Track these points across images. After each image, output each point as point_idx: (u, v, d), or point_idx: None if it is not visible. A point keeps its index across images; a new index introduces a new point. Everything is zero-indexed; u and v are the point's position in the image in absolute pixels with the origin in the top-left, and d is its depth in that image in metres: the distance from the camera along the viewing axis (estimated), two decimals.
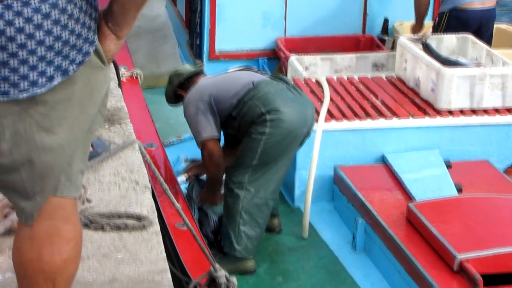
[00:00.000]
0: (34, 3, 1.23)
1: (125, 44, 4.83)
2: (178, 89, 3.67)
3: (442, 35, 4.36)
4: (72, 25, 1.32)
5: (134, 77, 4.12)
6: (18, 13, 1.23)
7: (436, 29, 4.84)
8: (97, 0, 1.45)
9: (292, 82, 3.61)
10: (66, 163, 1.48)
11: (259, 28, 5.10)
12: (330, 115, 3.80)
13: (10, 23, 1.24)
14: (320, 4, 5.13)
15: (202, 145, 3.35)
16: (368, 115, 3.89)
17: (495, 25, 5.00)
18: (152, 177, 2.85)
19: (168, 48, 5.56)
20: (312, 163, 3.69)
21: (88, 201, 2.39)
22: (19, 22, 1.22)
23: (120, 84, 3.55)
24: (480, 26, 4.73)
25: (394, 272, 3.44)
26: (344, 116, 3.88)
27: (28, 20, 1.24)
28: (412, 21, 4.91)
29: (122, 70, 4.14)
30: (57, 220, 1.53)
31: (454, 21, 4.78)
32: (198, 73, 3.67)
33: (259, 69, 3.63)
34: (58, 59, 1.33)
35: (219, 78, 3.44)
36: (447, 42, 4.34)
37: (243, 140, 3.26)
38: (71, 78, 1.37)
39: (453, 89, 3.76)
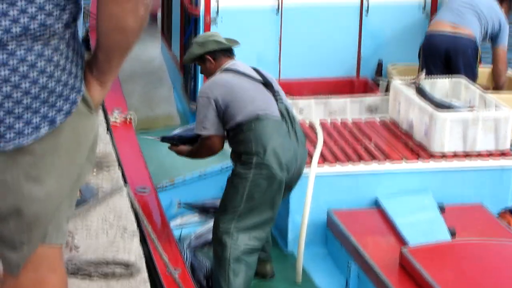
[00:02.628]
0: (20, 53, 1.26)
1: (119, 86, 4.97)
2: (207, 55, 3.66)
3: (436, 79, 4.50)
4: (59, 74, 1.35)
5: (128, 120, 4.18)
6: (3, 64, 1.26)
7: (420, 62, 5.03)
8: (83, 48, 1.50)
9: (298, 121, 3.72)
10: (54, 212, 1.48)
11: None
12: (323, 158, 3.90)
13: None
14: (314, 47, 5.27)
15: (207, 137, 3.45)
16: (361, 158, 4.00)
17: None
18: (143, 223, 2.90)
19: (163, 91, 5.67)
20: (306, 208, 3.74)
21: (76, 247, 2.45)
22: (4, 72, 1.25)
23: (109, 128, 3.66)
24: (449, 53, 4.81)
25: None
26: (337, 159, 3.99)
27: (14, 70, 1.27)
28: (405, 63, 5.15)
29: (116, 113, 4.27)
30: (43, 270, 1.55)
31: (426, 47, 4.96)
32: (231, 52, 3.71)
33: (276, 89, 3.70)
34: (44, 109, 1.34)
35: (236, 85, 3.45)
36: (440, 85, 4.48)
37: (228, 178, 3.34)
38: (58, 127, 1.38)
39: (446, 133, 3.89)
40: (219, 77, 3.47)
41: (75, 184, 1.56)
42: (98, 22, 1.42)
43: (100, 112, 3.74)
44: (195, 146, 3.46)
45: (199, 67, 4.17)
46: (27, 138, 1.35)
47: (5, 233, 1.49)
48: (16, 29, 1.26)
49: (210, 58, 3.50)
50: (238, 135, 3.29)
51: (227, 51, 3.57)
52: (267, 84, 3.55)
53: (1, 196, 1.45)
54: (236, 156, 3.30)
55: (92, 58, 1.46)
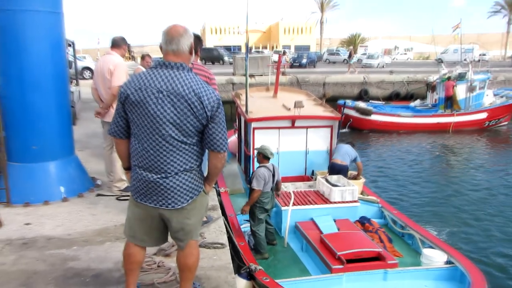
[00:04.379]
0: (187, 180, 3.31)
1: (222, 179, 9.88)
2: (260, 155, 7.71)
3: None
4: (197, 183, 3.38)
5: (225, 191, 8.88)
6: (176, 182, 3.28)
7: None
8: (203, 172, 3.48)
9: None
10: (196, 228, 3.47)
11: None
12: (293, 204, 8.19)
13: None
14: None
15: (255, 190, 7.16)
16: (307, 204, 8.29)
17: None
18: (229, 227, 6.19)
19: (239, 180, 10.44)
20: (288, 221, 7.67)
21: (203, 237, 5.06)
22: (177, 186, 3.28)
23: (220, 194, 8.27)
24: (339, 172, 9.10)
25: (312, 255, 7.05)
26: (298, 204, 8.29)
27: (182, 183, 3.31)
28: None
29: (222, 188, 8.91)
30: (192, 247, 3.50)
31: (330, 169, 9.41)
32: (269, 158, 7.75)
33: (277, 178, 7.47)
34: (191, 194, 3.33)
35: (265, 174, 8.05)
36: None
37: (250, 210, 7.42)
38: (195, 199, 3.32)
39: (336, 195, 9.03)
40: (264, 170, 7.21)
41: (201, 218, 3.52)
42: (209, 164, 3.41)
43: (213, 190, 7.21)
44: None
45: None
46: (187, 202, 3.33)
47: (178, 236, 3.41)
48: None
49: (260, 157, 7.38)
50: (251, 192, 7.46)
51: (267, 157, 7.40)
52: (274, 173, 7.26)
53: (177, 224, 3.36)
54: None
55: (206, 176, 3.46)
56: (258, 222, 7.30)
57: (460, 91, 23.34)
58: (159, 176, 3.27)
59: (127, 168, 3.59)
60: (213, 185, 5.81)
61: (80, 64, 26.57)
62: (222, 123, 3.30)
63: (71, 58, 15.50)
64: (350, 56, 39.50)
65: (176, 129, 3.19)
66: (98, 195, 6.70)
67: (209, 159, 3.40)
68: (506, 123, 25.28)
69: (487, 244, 10.04)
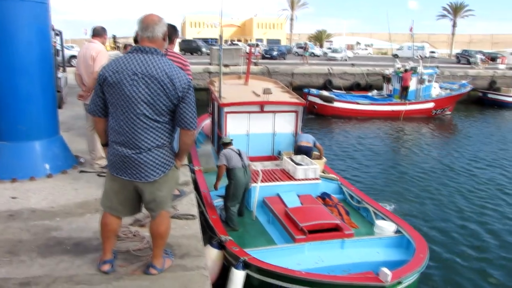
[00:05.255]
0: (159, 155, 3.29)
1: (196, 157, 9.99)
2: (224, 145, 7.83)
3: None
4: (168, 158, 3.33)
5: (200, 169, 8.98)
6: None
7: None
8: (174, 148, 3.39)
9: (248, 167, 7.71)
10: (167, 199, 3.46)
11: None
12: (262, 181, 8.30)
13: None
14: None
15: (220, 166, 7.32)
16: (273, 180, 8.36)
17: None
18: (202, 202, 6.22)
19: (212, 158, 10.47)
20: (256, 196, 7.78)
21: (176, 209, 5.05)
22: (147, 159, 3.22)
23: (194, 172, 8.25)
24: (306, 153, 9.29)
25: (278, 227, 7.10)
26: (266, 181, 8.35)
27: (155, 158, 3.25)
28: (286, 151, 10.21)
29: (196, 167, 8.99)
30: (163, 217, 3.49)
31: (295, 150, 9.42)
32: (231, 144, 7.94)
33: (243, 157, 7.39)
34: (163, 168, 3.32)
35: (230, 154, 7.90)
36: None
37: (226, 186, 7.34)
38: (167, 173, 3.34)
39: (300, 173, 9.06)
40: (227, 150, 7.47)
41: (172, 191, 3.50)
42: (179, 141, 3.34)
43: (186, 167, 7.09)
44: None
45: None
46: (159, 176, 3.31)
47: (151, 206, 3.42)
48: None
49: (224, 146, 7.61)
50: (230, 170, 7.24)
51: (227, 143, 7.71)
52: (240, 155, 7.39)
53: (149, 196, 3.35)
54: (228, 175, 7.22)
55: (177, 152, 3.42)
56: (233, 199, 7.25)
57: (411, 83, 23.68)
58: (133, 151, 3.24)
59: (105, 144, 3.52)
60: (187, 163, 5.78)
61: (68, 52, 25.87)
62: (192, 103, 3.28)
63: (58, 47, 15.03)
64: (304, 49, 39.62)
65: (150, 108, 3.16)
66: (81, 171, 6.61)
67: (179, 136, 3.38)
68: (449, 112, 25.96)
69: (430, 216, 10.30)
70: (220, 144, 7.66)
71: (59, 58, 15.18)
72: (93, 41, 6.58)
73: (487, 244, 8.73)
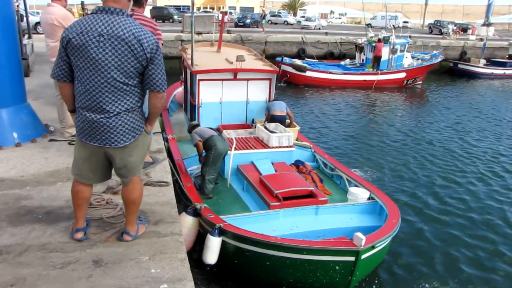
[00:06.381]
0: (128, 119, 3.20)
1: (169, 125, 9.82)
2: (192, 129, 7.83)
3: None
4: (138, 123, 3.26)
5: (173, 137, 8.68)
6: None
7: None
8: (145, 113, 3.32)
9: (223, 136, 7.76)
10: (138, 165, 3.39)
11: None
12: (235, 149, 8.23)
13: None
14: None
15: (196, 144, 7.42)
16: (248, 148, 8.34)
17: None
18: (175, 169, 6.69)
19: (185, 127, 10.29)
20: (230, 163, 7.75)
21: (149, 176, 5.05)
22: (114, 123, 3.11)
23: (167, 140, 8.24)
24: (280, 121, 9.25)
25: (252, 194, 7.17)
26: (240, 148, 8.35)
27: (125, 122, 3.15)
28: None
29: (169, 136, 8.86)
30: (135, 183, 3.45)
31: (268, 119, 9.33)
32: (199, 124, 7.89)
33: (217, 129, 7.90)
34: (133, 133, 3.24)
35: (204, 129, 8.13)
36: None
37: (204, 155, 7.48)
38: (137, 138, 3.27)
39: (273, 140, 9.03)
40: (197, 128, 7.61)
41: (143, 156, 3.44)
42: (149, 104, 3.26)
43: (159, 135, 7.26)
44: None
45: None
46: (129, 141, 3.23)
47: (122, 172, 3.36)
48: None
49: (193, 129, 7.64)
50: (207, 141, 7.55)
51: (195, 126, 7.73)
52: (210, 128, 7.63)
53: (120, 162, 3.28)
54: (206, 148, 7.39)
55: (147, 116, 3.36)
56: (211, 166, 7.21)
57: (384, 53, 23.77)
58: (102, 116, 3.15)
59: (72, 111, 3.42)
60: (160, 131, 5.65)
61: (34, 19, 24.94)
62: (161, 65, 3.19)
63: (22, 12, 14.37)
64: (262, 17, 38.23)
65: (118, 71, 3.06)
66: (51, 140, 6.46)
67: (149, 99, 3.30)
68: (420, 82, 26.22)
69: (401, 182, 10.53)
70: (188, 130, 7.73)
71: (24, 24, 14.55)
72: (52, 5, 6.28)
73: (455, 209, 9.00)
